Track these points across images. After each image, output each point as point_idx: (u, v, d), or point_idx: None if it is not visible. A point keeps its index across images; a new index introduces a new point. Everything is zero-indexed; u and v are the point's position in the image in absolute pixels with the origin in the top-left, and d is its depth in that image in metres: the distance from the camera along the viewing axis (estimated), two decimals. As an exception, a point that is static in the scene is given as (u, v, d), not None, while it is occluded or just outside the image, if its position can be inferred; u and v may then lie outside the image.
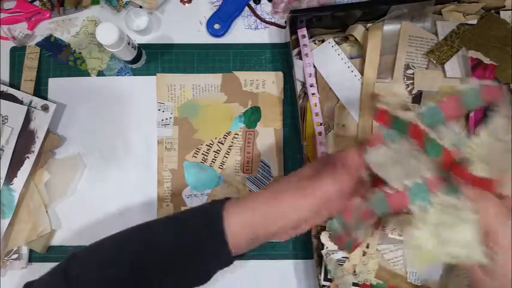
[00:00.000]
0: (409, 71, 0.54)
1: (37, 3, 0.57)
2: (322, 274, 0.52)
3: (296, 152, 0.57)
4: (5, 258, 0.53)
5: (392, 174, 0.34)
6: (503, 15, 0.54)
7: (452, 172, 0.32)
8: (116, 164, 0.56)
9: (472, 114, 0.52)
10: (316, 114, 0.54)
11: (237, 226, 0.37)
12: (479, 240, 0.31)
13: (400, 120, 0.34)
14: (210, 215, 0.39)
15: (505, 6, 0.55)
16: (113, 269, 0.38)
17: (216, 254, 0.39)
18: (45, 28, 0.58)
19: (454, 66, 0.54)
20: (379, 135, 0.36)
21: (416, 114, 0.33)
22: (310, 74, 0.54)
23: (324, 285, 0.52)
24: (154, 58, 0.58)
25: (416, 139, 0.33)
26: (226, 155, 0.56)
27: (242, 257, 0.40)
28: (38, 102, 0.55)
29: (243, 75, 0.57)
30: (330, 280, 0.52)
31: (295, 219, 0.37)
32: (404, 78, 0.54)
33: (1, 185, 0.53)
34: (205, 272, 0.40)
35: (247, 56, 0.58)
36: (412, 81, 0.54)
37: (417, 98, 0.54)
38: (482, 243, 0.31)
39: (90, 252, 0.41)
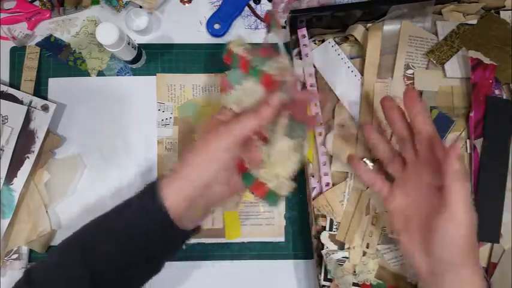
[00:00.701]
0: (409, 71, 0.54)
1: (37, 3, 0.57)
2: (322, 274, 0.52)
3: (296, 152, 0.57)
4: (5, 258, 0.53)
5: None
6: (503, 15, 0.54)
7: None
8: (116, 164, 0.56)
9: (472, 114, 0.52)
10: (316, 114, 0.54)
11: (173, 196, 0.40)
12: None
13: (236, 57, 0.45)
14: (148, 194, 0.41)
15: (505, 6, 0.55)
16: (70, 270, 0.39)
17: (161, 232, 0.40)
18: (45, 28, 0.58)
19: (454, 66, 0.54)
20: (224, 81, 0.46)
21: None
22: (310, 74, 0.54)
23: (324, 285, 0.52)
24: (154, 58, 0.58)
25: (245, 69, 0.45)
26: (226, 155, 0.56)
27: (194, 233, 0.44)
28: (38, 102, 0.55)
29: (243, 75, 0.57)
30: (330, 280, 0.52)
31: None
32: (404, 78, 0.54)
33: (1, 185, 0.53)
34: (160, 251, 0.42)
35: (247, 56, 0.58)
36: (412, 81, 0.54)
37: (417, 98, 0.54)
38: None
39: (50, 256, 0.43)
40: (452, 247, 0.39)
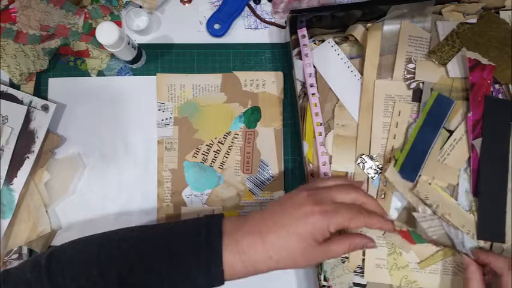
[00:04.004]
0: (410, 65, 0.54)
1: (37, 3, 0.57)
2: (322, 274, 0.52)
3: (296, 152, 0.57)
4: (5, 258, 0.53)
5: None
6: (503, 15, 0.54)
7: None
8: (116, 164, 0.56)
9: (470, 115, 0.52)
10: (316, 114, 0.54)
11: (234, 262, 0.40)
12: None
13: None
14: (209, 245, 0.40)
15: (505, 6, 0.55)
16: (102, 282, 0.39)
17: (209, 280, 0.40)
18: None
19: (456, 66, 0.54)
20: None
21: None
22: (310, 74, 0.55)
23: (324, 285, 0.52)
24: (154, 58, 0.58)
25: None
26: (226, 155, 0.56)
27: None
28: (38, 102, 0.55)
29: (243, 75, 0.58)
30: (330, 280, 0.52)
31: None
32: (404, 73, 0.54)
33: (1, 185, 0.53)
34: None
35: (247, 56, 0.58)
36: (412, 75, 0.54)
37: (416, 93, 0.54)
38: None
39: (76, 255, 0.42)
40: None
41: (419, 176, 0.52)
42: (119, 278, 0.39)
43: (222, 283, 0.40)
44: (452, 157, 0.52)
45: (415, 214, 0.51)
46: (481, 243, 0.50)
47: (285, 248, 0.40)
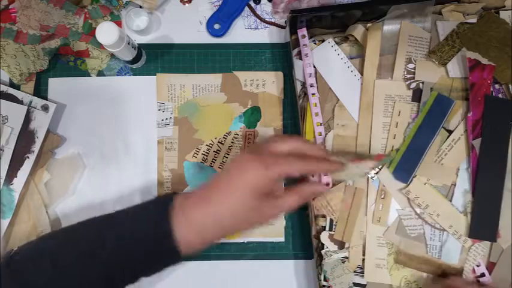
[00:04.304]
0: (410, 65, 0.54)
1: (37, 3, 0.57)
2: (322, 274, 0.52)
3: (296, 152, 0.57)
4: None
5: None
6: (503, 15, 0.54)
7: None
8: (116, 164, 0.56)
9: (470, 115, 0.52)
10: (316, 114, 0.54)
11: (186, 228, 0.39)
12: None
13: None
14: (158, 223, 0.39)
15: (505, 6, 0.55)
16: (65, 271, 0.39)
17: (166, 255, 0.39)
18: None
19: (456, 66, 0.54)
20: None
21: None
22: (310, 74, 0.55)
23: (324, 285, 0.52)
24: (154, 58, 0.58)
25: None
26: (226, 155, 0.56)
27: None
28: (38, 102, 0.55)
29: (243, 75, 0.58)
30: (330, 280, 0.52)
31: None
32: (404, 72, 0.54)
33: (1, 185, 0.53)
34: (154, 270, 0.41)
35: (247, 56, 0.58)
36: (412, 75, 0.54)
37: (416, 93, 0.54)
38: None
39: (37, 251, 0.41)
40: None
41: (414, 176, 0.52)
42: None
43: (180, 257, 0.39)
44: (450, 157, 0.52)
45: (398, 211, 0.52)
46: (468, 243, 0.51)
47: (229, 206, 0.38)
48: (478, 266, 0.51)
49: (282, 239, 0.55)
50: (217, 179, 0.41)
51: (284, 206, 0.40)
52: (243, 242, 0.55)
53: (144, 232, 0.39)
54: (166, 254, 0.39)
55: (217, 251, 0.55)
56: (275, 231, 0.55)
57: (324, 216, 0.53)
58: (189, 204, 0.40)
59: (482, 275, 0.50)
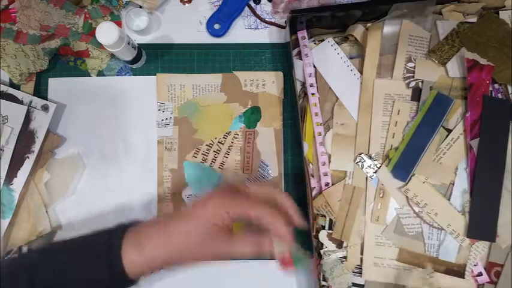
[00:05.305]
0: (410, 64, 0.54)
1: (37, 3, 0.57)
2: (322, 274, 0.52)
3: (296, 152, 0.57)
4: (5, 258, 0.53)
5: None
6: (503, 15, 0.54)
7: None
8: (116, 164, 0.56)
9: (468, 115, 0.52)
10: (316, 114, 0.54)
11: (134, 265, 0.38)
12: None
13: None
14: (109, 258, 0.39)
15: (505, 6, 0.55)
16: None
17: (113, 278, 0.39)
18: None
19: (455, 65, 0.54)
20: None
21: None
22: (310, 73, 0.55)
23: (324, 285, 0.52)
24: (154, 58, 0.58)
25: None
26: (226, 155, 0.56)
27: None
28: (38, 102, 0.55)
29: (243, 75, 0.58)
30: (330, 280, 0.52)
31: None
32: (404, 72, 0.54)
33: (1, 185, 0.53)
34: None
35: (247, 56, 0.58)
36: (412, 74, 0.54)
37: (416, 92, 0.54)
38: None
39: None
40: None
41: (413, 175, 0.52)
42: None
43: (128, 281, 0.39)
44: (449, 156, 0.52)
45: (396, 209, 0.52)
46: (466, 242, 0.51)
47: (184, 234, 0.39)
48: (475, 265, 0.51)
49: (282, 239, 0.55)
50: (180, 210, 0.41)
51: (237, 248, 0.40)
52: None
53: (97, 250, 0.39)
54: (112, 274, 0.38)
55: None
56: (275, 231, 0.55)
57: (323, 216, 0.53)
58: (146, 229, 0.40)
59: (480, 274, 0.51)
